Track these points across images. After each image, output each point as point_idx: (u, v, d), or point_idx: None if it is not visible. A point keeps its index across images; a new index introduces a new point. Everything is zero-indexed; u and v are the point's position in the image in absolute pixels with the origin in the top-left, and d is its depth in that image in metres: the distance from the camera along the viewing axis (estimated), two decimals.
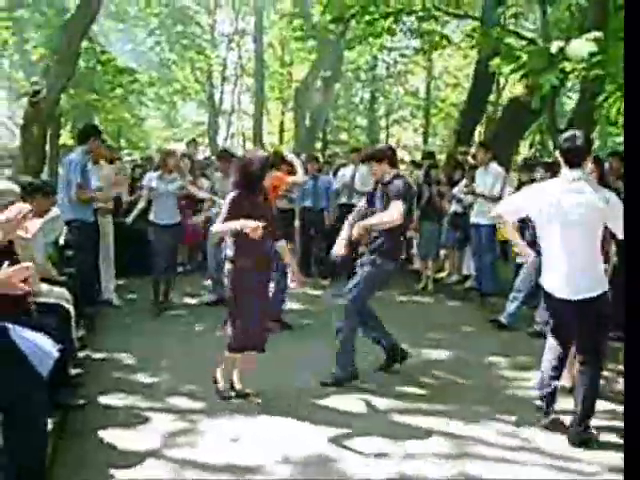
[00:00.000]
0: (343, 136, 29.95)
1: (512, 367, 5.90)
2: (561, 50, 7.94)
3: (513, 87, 21.19)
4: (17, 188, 4.12)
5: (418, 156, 17.94)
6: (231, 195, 4.68)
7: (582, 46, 7.28)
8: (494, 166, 8.44)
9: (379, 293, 5.56)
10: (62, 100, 11.74)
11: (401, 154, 20.77)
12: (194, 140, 11.82)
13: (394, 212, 5.01)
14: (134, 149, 20.93)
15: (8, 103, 27.41)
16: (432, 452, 4.06)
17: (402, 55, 28.82)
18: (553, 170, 7.73)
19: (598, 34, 7.35)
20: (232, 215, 4.58)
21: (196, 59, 24.85)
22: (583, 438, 4.16)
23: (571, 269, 4.11)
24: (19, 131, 9.00)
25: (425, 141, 29.21)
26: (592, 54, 7.43)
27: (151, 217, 7.47)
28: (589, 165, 4.50)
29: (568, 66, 8.13)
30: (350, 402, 4.87)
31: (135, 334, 6.54)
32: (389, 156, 5.28)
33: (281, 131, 29.40)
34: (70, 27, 8.97)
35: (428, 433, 4.35)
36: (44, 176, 9.03)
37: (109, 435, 4.15)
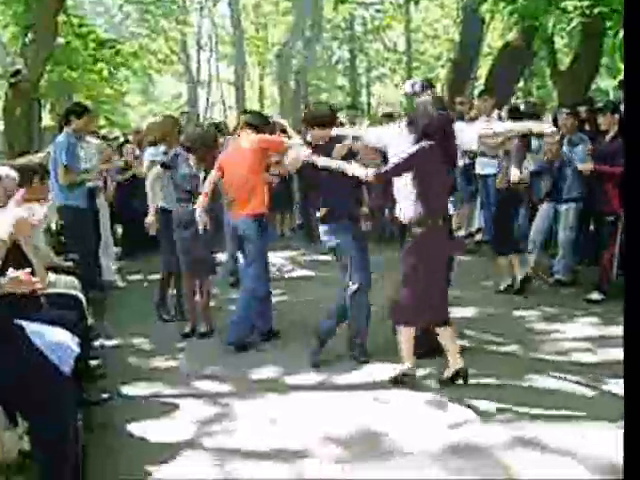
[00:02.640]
0: (324, 97, 29.46)
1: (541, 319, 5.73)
2: None
3: (497, 33, 20.95)
4: (14, 173, 3.80)
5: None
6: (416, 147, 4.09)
7: None
8: (497, 113, 8.15)
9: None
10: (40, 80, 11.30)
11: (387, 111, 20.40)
12: (187, 112, 11.42)
13: None
14: (113, 127, 20.38)
15: None
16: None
17: (378, 11, 28.49)
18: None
19: None
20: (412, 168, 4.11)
21: (168, 28, 24.18)
22: None
23: None
24: (1, 114, 8.58)
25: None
26: None
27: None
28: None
29: (569, 5, 7.82)
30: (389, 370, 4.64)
31: (144, 316, 6.26)
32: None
33: (261, 97, 28.90)
34: (44, 1, 8.50)
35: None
36: None
37: (138, 428, 3.91)
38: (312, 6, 18.15)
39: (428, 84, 5.55)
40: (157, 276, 6.54)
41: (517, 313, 5.96)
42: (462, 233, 9.25)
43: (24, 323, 3.23)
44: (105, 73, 12.82)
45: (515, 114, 7.22)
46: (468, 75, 13.22)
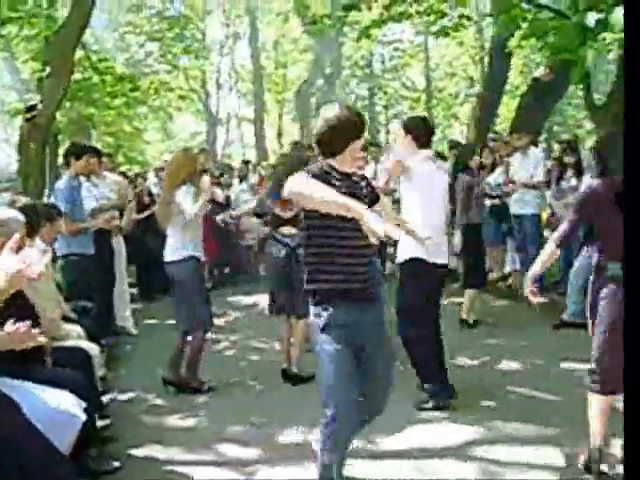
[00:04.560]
0: None
1: None
2: (600, 22, 7.28)
3: (517, 70, 20.71)
4: (21, 217, 3.43)
5: None
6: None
7: None
8: (534, 150, 7.78)
9: None
10: (58, 116, 11.08)
11: None
12: (204, 149, 11.17)
13: None
14: (132, 164, 20.22)
15: (3, 126, 26.81)
16: None
17: (396, 49, 28.48)
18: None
19: None
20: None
21: (189, 67, 24.20)
22: None
23: None
24: (15, 151, 8.28)
25: None
26: None
27: (187, 251, 5.01)
28: None
29: (608, 37, 7.43)
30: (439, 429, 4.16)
31: (160, 366, 5.79)
32: None
33: (279, 134, 28.78)
34: (62, 35, 8.26)
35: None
36: (45, 199, 8.22)
37: None
38: (332, 44, 18.00)
39: None
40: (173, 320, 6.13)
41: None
42: (494, 276, 8.81)
43: (24, 385, 2.83)
44: (123, 110, 12.63)
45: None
46: (494, 111, 12.88)
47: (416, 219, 4.19)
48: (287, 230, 5.14)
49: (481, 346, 6.08)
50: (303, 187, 2.80)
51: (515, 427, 4.20)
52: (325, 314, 2.99)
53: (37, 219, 3.84)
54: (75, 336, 4.21)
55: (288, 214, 5.10)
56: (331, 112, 3.02)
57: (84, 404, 3.12)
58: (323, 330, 3.00)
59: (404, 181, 4.53)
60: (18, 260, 2.75)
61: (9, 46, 12.08)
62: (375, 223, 2.54)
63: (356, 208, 2.62)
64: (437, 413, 4.45)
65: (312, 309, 3.07)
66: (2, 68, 19.41)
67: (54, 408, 2.87)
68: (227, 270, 10.12)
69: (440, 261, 4.52)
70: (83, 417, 3.03)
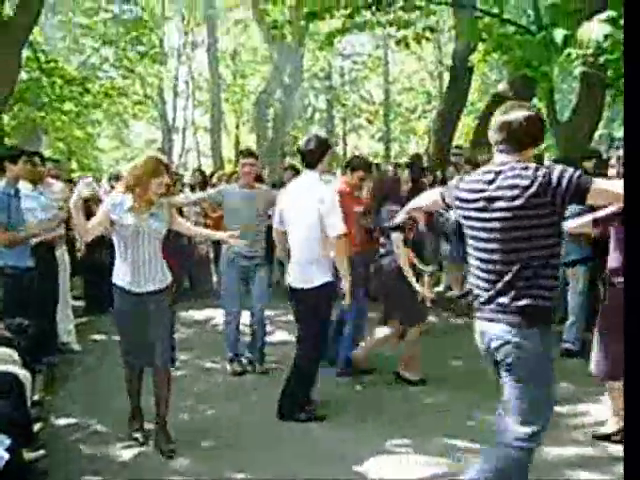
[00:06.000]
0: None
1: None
2: (566, 38, 7.17)
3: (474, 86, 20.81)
4: None
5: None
6: None
7: (597, 28, 6.45)
8: None
9: None
10: (5, 119, 10.55)
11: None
12: (199, 170, 10.91)
13: None
14: (84, 171, 19.59)
15: None
16: None
17: (355, 62, 28.49)
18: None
19: (613, 13, 6.55)
20: None
21: (145, 74, 23.69)
22: None
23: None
24: None
25: (387, 147, 28.63)
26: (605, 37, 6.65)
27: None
28: None
29: (573, 53, 7.33)
30: None
31: (104, 387, 5.39)
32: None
33: (237, 144, 28.40)
34: (7, 35, 7.81)
35: None
36: None
37: None
38: (291, 55, 17.77)
39: None
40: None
41: None
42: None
43: None
44: (74, 114, 12.10)
45: None
46: (454, 126, 12.77)
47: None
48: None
49: None
50: None
51: None
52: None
53: None
54: (5, 360, 3.81)
55: None
56: None
57: (8, 441, 2.75)
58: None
59: None
60: None
61: None
62: None
63: None
64: None
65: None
66: None
67: None
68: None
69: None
70: (5, 456, 2.66)
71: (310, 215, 4.55)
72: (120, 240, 4.06)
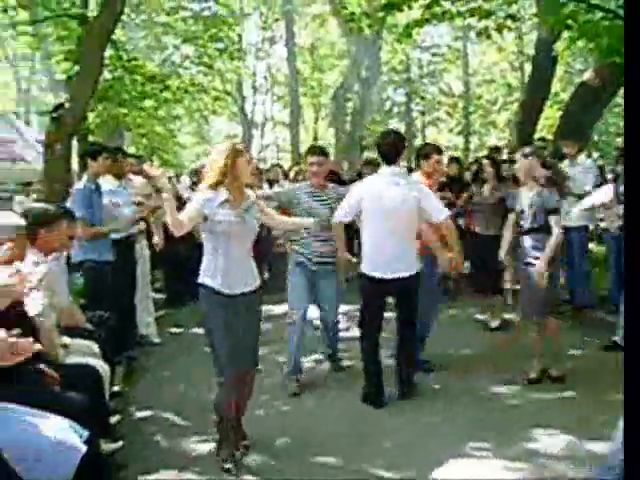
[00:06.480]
0: None
1: None
2: None
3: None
4: (21, 221, 3.14)
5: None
6: None
7: None
8: (583, 159, 7.30)
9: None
10: (90, 117, 10.86)
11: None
12: (278, 165, 11.02)
13: None
14: (166, 166, 20.04)
15: (39, 126, 26.93)
16: None
17: (434, 54, 28.02)
18: None
19: None
20: None
21: (225, 70, 24.05)
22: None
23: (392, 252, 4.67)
24: (43, 152, 8.03)
25: (466, 140, 28.13)
26: None
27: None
28: None
29: None
30: None
31: (182, 380, 5.48)
32: None
33: (315, 139, 28.49)
34: (90, 35, 8.02)
35: None
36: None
37: None
38: (369, 48, 17.62)
39: None
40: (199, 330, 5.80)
41: None
42: None
43: (17, 410, 2.51)
44: (154, 110, 12.36)
45: None
46: (537, 118, 12.35)
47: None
48: None
49: None
50: None
51: None
52: None
53: (35, 225, 3.53)
54: (84, 353, 3.89)
55: None
56: None
57: (86, 433, 2.78)
58: None
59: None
60: (8, 273, 2.47)
61: (40, 46, 11.92)
62: None
63: None
64: None
65: None
66: (38, 69, 19.39)
67: (49, 440, 2.54)
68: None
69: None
70: (83, 448, 2.69)
71: (409, 204, 4.68)
72: (211, 238, 3.77)
